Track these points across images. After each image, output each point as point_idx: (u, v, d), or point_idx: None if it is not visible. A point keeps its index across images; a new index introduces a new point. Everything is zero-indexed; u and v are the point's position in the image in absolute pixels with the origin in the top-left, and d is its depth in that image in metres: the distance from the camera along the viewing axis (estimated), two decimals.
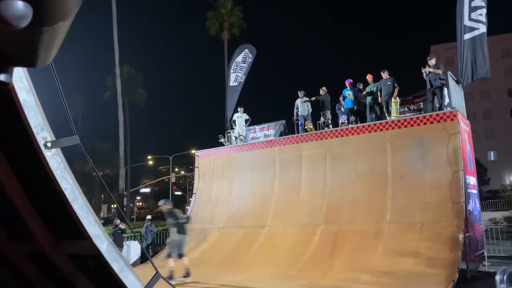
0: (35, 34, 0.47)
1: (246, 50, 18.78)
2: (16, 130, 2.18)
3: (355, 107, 13.47)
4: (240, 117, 15.83)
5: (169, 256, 9.86)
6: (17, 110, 2.08)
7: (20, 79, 1.95)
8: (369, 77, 13.26)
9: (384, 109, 12.55)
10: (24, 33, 0.45)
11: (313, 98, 14.46)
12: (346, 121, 13.62)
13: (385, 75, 12.52)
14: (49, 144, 2.15)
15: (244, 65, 18.59)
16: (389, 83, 12.36)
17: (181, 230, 9.86)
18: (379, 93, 12.69)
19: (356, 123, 13.02)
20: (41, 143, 2.14)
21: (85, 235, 2.32)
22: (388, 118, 12.10)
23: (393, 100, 12.17)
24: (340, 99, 13.98)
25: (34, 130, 2.12)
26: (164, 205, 10.31)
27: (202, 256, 12.53)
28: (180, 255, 9.75)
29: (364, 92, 13.18)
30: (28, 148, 2.19)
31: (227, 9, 35.13)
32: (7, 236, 3.04)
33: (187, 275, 9.64)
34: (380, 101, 12.67)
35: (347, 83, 13.72)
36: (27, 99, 2.07)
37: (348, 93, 13.53)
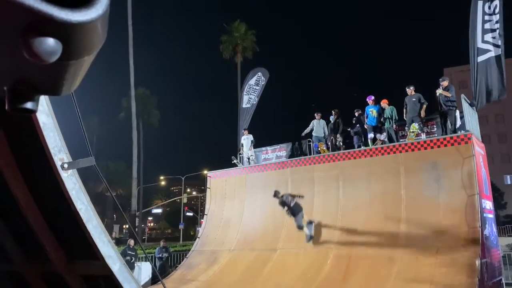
0: (62, 67, 0.51)
1: (259, 74, 19.02)
2: (35, 151, 2.25)
3: (380, 125, 12.99)
4: (246, 139, 15.99)
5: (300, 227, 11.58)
6: (37, 132, 2.14)
7: (40, 103, 2.03)
8: (384, 102, 12.87)
9: (405, 127, 12.24)
10: (52, 66, 0.48)
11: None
12: (373, 138, 12.94)
13: (410, 91, 12.07)
14: (66, 165, 2.20)
15: (257, 87, 18.80)
16: (414, 99, 11.93)
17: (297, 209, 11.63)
18: (404, 110, 12.27)
19: (388, 141, 12.43)
20: (58, 164, 2.19)
21: (98, 255, 2.35)
22: (408, 135, 11.87)
23: (416, 121, 11.87)
24: (358, 115, 13.64)
25: (52, 151, 2.17)
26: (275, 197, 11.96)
27: (212, 279, 12.40)
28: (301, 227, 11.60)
29: (382, 118, 12.87)
30: (46, 168, 2.24)
31: (240, 33, 35.72)
32: (22, 255, 3.08)
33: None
34: (404, 118, 12.35)
35: (369, 100, 13.28)
36: (46, 122, 2.14)
37: (371, 110, 13.09)
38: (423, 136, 11.87)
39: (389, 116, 12.61)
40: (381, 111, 13.06)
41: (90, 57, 0.53)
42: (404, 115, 12.31)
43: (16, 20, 0.43)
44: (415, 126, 11.79)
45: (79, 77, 0.57)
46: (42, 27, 0.44)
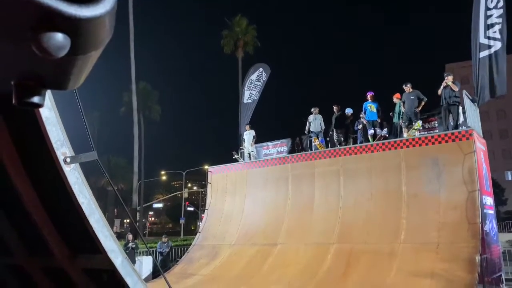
0: (70, 62, 0.52)
1: (261, 69, 19.00)
2: (37, 145, 2.25)
3: (380, 120, 13.04)
4: (248, 134, 16.02)
5: None
6: (39, 126, 2.15)
7: None
8: (396, 97, 12.79)
9: (404, 124, 12.29)
10: (60, 61, 0.49)
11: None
12: (373, 134, 12.92)
13: (407, 88, 12.16)
14: (68, 159, 2.21)
15: (259, 83, 18.79)
16: (413, 97, 12.00)
17: None
18: (402, 105, 12.37)
19: (389, 136, 12.51)
20: (60, 158, 2.20)
21: (100, 249, 2.36)
22: (405, 134, 11.92)
23: (414, 118, 11.91)
24: (361, 115, 13.64)
25: (55, 145, 2.18)
26: None
27: (213, 273, 12.45)
28: None
29: (391, 113, 12.96)
30: (48, 162, 2.25)
31: (241, 27, 35.57)
32: (25, 249, 3.10)
33: None
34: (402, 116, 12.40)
35: (368, 95, 13.33)
36: (49, 116, 2.15)
37: (370, 105, 13.14)
38: (417, 133, 11.94)
39: (398, 112, 12.65)
40: (379, 107, 13.13)
41: (97, 52, 0.54)
42: (396, 112, 12.45)
43: (25, 16, 0.43)
44: (419, 124, 11.87)
45: (85, 72, 0.57)
46: (51, 23, 0.44)
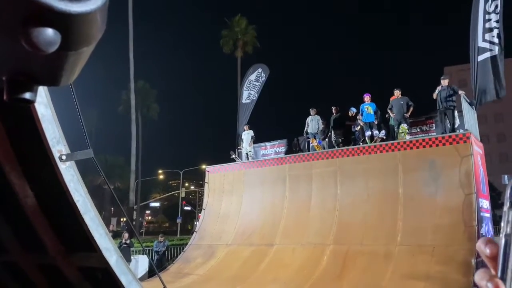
0: (61, 58, 0.51)
1: (260, 69, 19.01)
2: (33, 142, 2.24)
3: (377, 122, 13.03)
4: (247, 134, 16.02)
5: None
6: (35, 123, 2.14)
7: (39, 94, 2.02)
8: (393, 99, 12.80)
9: (395, 128, 12.40)
10: (51, 56, 0.49)
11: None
12: (371, 136, 12.87)
13: (397, 93, 12.31)
14: (64, 157, 2.20)
15: (257, 83, 18.79)
16: (402, 101, 12.15)
17: None
18: (390, 111, 12.48)
19: (386, 138, 12.60)
20: (56, 155, 2.19)
21: (95, 247, 2.35)
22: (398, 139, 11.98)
23: (403, 123, 12.03)
24: (358, 117, 13.66)
25: (50, 143, 2.17)
26: None
27: (209, 273, 12.44)
28: None
29: (387, 115, 13.04)
30: (44, 160, 2.24)
31: (241, 27, 35.59)
32: (20, 246, 3.09)
33: None
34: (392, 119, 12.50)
35: (365, 97, 13.31)
36: (44, 113, 2.14)
37: (367, 107, 13.12)
38: (408, 137, 12.00)
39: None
40: (376, 109, 13.14)
41: (89, 48, 0.53)
42: (391, 115, 12.57)
43: (16, 10, 0.43)
44: (404, 127, 11.94)
45: (78, 68, 0.57)
46: (41, 18, 0.44)
